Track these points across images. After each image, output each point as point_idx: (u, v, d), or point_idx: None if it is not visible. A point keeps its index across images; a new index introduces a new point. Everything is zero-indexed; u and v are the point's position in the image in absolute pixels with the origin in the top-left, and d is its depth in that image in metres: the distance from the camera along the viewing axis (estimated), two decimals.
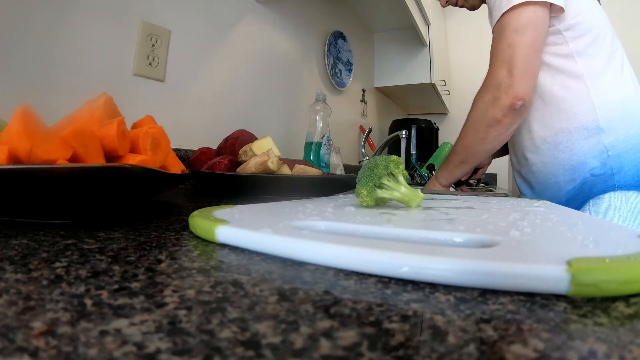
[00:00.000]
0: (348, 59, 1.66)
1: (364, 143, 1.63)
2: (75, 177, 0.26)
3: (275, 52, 1.19)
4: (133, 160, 0.34)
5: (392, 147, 1.90)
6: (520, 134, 0.80)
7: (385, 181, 0.36)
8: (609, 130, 0.69)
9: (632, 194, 0.68)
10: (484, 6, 0.88)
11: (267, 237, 0.20)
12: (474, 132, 0.72)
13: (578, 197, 0.74)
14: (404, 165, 0.38)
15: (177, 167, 0.43)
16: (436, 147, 2.08)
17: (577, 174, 0.72)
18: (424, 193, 0.45)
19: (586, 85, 0.70)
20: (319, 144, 1.04)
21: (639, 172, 0.68)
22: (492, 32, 0.72)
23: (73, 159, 0.30)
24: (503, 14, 0.68)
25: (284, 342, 0.10)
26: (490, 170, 1.16)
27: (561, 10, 0.68)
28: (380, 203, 0.38)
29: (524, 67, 0.66)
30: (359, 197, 0.37)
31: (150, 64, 0.76)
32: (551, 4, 0.67)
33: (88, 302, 0.13)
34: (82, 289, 0.14)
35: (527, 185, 0.84)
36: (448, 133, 2.50)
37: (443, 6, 0.93)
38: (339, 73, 1.59)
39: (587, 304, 0.14)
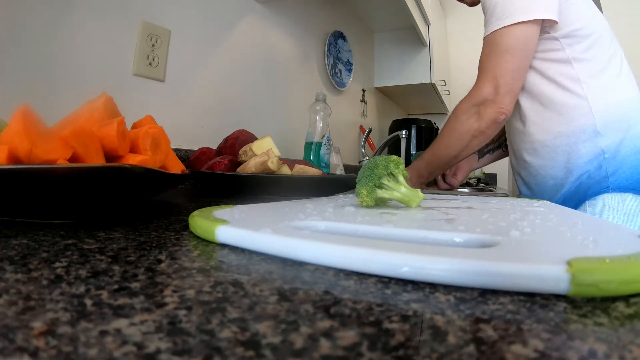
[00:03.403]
0: (348, 59, 1.66)
1: (364, 143, 1.63)
2: (75, 177, 0.26)
3: (276, 52, 1.19)
4: (133, 160, 0.34)
5: (392, 147, 1.90)
6: (520, 137, 0.81)
7: (385, 181, 0.36)
8: (606, 134, 0.70)
9: (628, 196, 0.69)
10: None
11: (267, 237, 0.20)
12: (459, 141, 0.77)
13: (573, 198, 0.75)
14: (404, 165, 0.38)
15: (177, 167, 0.43)
16: None
17: (574, 177, 0.73)
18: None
19: (583, 90, 0.71)
20: (319, 144, 1.04)
21: (633, 174, 0.69)
22: (483, 40, 0.74)
23: (73, 159, 0.30)
24: (494, 31, 0.70)
25: (284, 342, 0.10)
26: (490, 170, 1.16)
27: (554, 22, 0.69)
28: (380, 203, 0.38)
29: (509, 87, 0.70)
30: (359, 197, 0.37)
31: (150, 64, 0.76)
32: (543, 20, 0.68)
33: (88, 302, 0.13)
34: (82, 289, 0.14)
35: (527, 187, 0.86)
36: None
37: None
38: (339, 73, 1.59)
39: (587, 304, 0.14)
